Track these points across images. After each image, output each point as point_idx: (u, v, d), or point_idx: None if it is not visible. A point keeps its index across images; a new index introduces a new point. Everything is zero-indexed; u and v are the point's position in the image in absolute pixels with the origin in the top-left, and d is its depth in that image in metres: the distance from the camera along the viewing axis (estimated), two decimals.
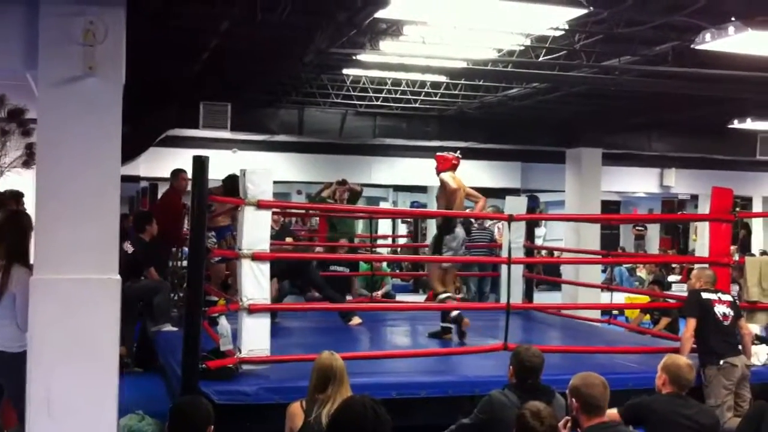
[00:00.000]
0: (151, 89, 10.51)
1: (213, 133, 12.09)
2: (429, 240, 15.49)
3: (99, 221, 4.68)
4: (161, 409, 5.69)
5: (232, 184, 8.06)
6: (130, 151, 11.19)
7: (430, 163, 14.53)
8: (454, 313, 7.62)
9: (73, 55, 4.69)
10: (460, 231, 7.83)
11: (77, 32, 4.68)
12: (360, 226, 14.01)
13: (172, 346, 6.86)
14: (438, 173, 7.95)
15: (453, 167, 7.94)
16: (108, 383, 4.69)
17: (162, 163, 13.86)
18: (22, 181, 8.46)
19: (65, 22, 4.68)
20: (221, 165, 12.39)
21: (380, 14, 6.45)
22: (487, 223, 12.66)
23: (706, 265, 7.45)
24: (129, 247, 8.37)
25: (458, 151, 8.10)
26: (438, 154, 8.10)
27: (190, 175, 6.01)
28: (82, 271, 4.62)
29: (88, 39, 4.67)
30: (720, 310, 6.62)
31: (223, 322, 5.96)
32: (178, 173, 9.59)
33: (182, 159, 10.70)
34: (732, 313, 6.66)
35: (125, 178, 11.41)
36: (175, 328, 7.89)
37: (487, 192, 17.83)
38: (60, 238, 4.65)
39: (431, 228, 19.08)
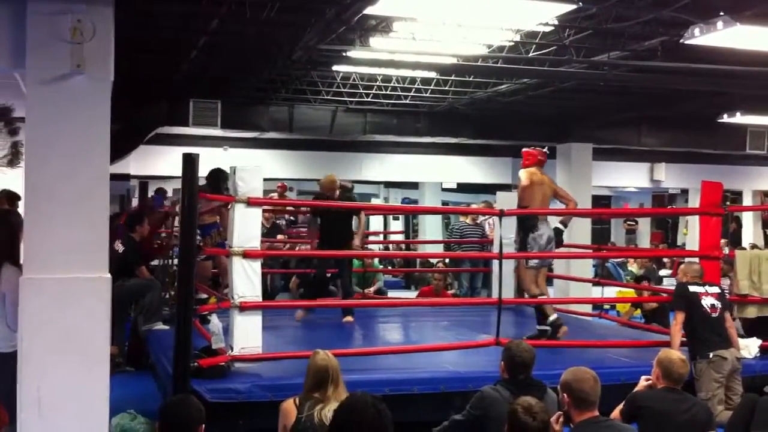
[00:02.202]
0: (141, 87, 10.48)
1: (203, 130, 12.06)
2: (420, 236, 15.44)
3: (88, 220, 4.67)
4: (153, 408, 5.66)
5: (214, 178, 8.07)
6: (120, 149, 11.15)
7: (421, 159, 14.59)
8: (553, 316, 7.53)
9: (61, 53, 4.67)
10: (545, 229, 7.67)
11: (65, 30, 4.66)
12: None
13: (164, 345, 6.85)
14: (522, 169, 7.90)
15: (539, 163, 7.87)
16: (99, 382, 4.68)
17: (152, 161, 13.85)
18: (6, 180, 8.41)
19: (53, 20, 4.66)
20: (212, 163, 12.41)
21: (369, 10, 6.44)
22: (479, 219, 12.68)
23: (696, 259, 7.49)
24: (120, 246, 8.36)
25: (546, 147, 8.05)
26: (525, 149, 8.00)
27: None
28: (72, 270, 4.60)
29: (75, 37, 4.65)
30: (707, 302, 6.66)
31: (215, 320, 5.96)
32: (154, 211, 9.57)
33: (172, 157, 10.69)
34: (720, 305, 6.69)
35: (115, 177, 11.34)
36: (166, 327, 7.88)
37: (478, 188, 17.94)
38: (49, 237, 4.63)
39: (422, 224, 19.24)
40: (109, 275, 4.71)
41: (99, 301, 4.64)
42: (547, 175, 8.03)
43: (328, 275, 10.81)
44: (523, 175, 7.80)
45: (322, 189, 8.89)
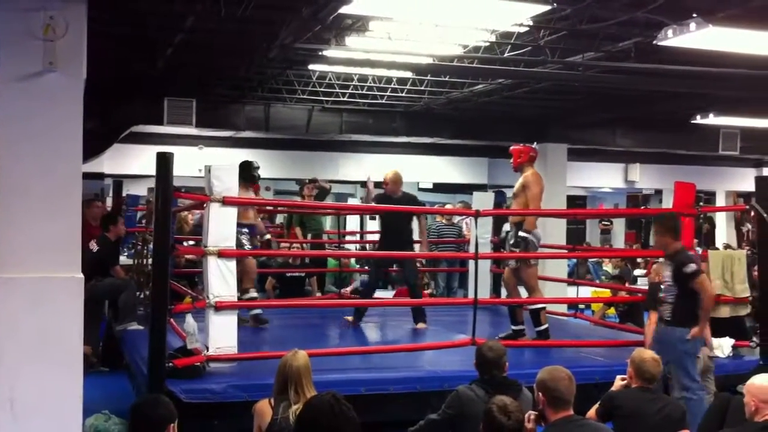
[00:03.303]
0: (115, 85, 10.39)
1: (178, 129, 11.99)
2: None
3: (61, 219, 4.62)
4: (128, 408, 5.64)
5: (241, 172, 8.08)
6: (94, 148, 11.05)
7: (398, 159, 14.62)
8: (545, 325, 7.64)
9: (33, 51, 4.62)
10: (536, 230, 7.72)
11: (37, 27, 4.61)
12: (328, 222, 14.00)
13: (139, 345, 6.81)
14: (515, 168, 7.91)
15: (532, 160, 7.87)
16: (72, 382, 4.63)
17: (127, 159, 13.74)
18: None
19: (25, 17, 4.61)
20: (187, 162, 12.37)
21: (345, 9, 6.43)
22: (455, 219, 12.72)
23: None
24: (94, 246, 8.30)
25: (535, 143, 8.03)
26: (513, 148, 7.95)
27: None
28: (44, 270, 4.55)
29: (48, 34, 4.60)
30: None
31: (190, 320, 5.93)
32: (91, 201, 9.49)
33: (147, 155, 10.60)
34: None
35: (89, 175, 11.32)
36: (141, 327, 7.83)
37: (455, 188, 17.96)
38: (21, 236, 4.58)
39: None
40: (81, 275, 4.66)
41: (72, 300, 4.59)
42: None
43: (302, 275, 10.83)
44: (534, 175, 7.74)
45: (386, 187, 8.64)
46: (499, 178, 16.79)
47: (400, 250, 8.32)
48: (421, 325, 8.50)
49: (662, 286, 6.23)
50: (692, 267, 5.98)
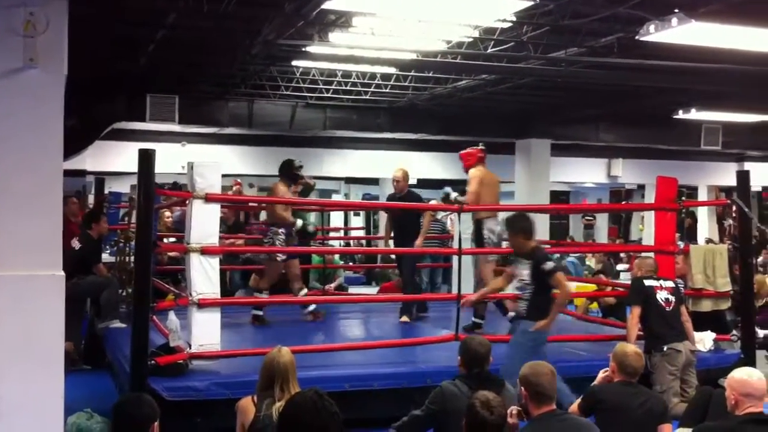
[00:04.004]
0: (97, 81, 10.33)
1: (161, 126, 11.93)
2: (381, 232, 15.47)
3: (41, 217, 4.58)
4: (110, 406, 5.61)
5: (281, 169, 8.46)
6: (76, 145, 10.99)
7: (382, 155, 14.60)
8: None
9: (13, 47, 4.57)
10: (494, 224, 7.86)
11: (17, 24, 4.56)
12: (312, 218, 13.98)
13: (121, 343, 6.79)
14: (466, 170, 8.13)
15: (481, 161, 8.10)
16: (54, 381, 4.60)
17: (109, 156, 13.66)
18: None
19: (5, 13, 4.56)
20: (170, 158, 12.32)
21: (328, 5, 6.42)
22: (440, 214, 12.71)
23: (650, 254, 7.59)
24: (77, 244, 8.25)
25: (480, 144, 8.23)
26: (462, 152, 8.27)
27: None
28: (25, 268, 4.51)
29: (28, 30, 4.56)
30: (662, 296, 6.76)
31: (172, 318, 5.91)
32: (67, 198, 9.45)
33: (129, 152, 10.54)
34: (674, 299, 6.79)
35: (71, 173, 11.25)
36: (123, 325, 7.80)
37: (439, 183, 17.95)
38: (1, 234, 4.54)
39: (383, 220, 19.22)
40: (62, 273, 4.63)
41: (52, 299, 4.56)
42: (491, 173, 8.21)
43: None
44: (474, 175, 7.94)
45: (397, 184, 8.86)
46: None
47: (403, 245, 8.58)
48: (404, 318, 8.59)
49: (518, 284, 6.20)
50: (550, 264, 5.99)
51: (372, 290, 13.26)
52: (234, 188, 13.07)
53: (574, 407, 4.79)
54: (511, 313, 7.30)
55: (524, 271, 6.07)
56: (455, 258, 8.72)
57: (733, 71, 8.43)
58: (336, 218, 19.75)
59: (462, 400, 4.23)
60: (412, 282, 8.98)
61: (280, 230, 8.16)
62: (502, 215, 7.63)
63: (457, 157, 16.31)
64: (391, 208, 9.07)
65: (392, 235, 8.92)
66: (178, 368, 5.83)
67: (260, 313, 8.38)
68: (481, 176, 7.94)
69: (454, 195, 8.05)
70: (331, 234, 15.38)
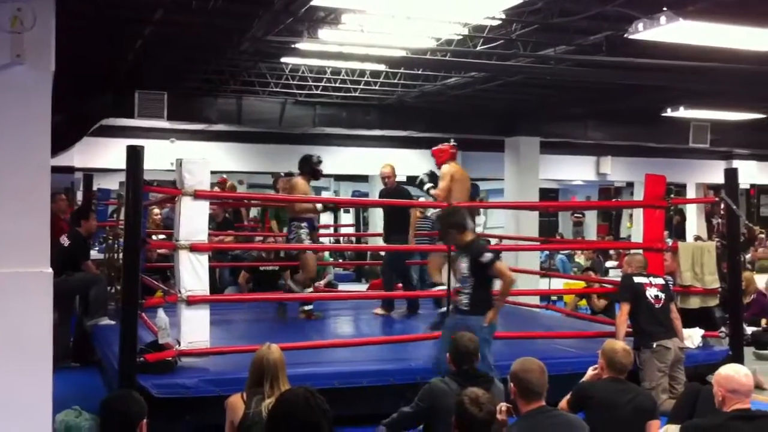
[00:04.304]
0: (85, 77, 10.28)
1: (149, 122, 11.88)
2: (371, 229, 15.45)
3: (29, 214, 4.55)
4: (99, 404, 5.61)
5: (301, 165, 8.55)
6: (64, 141, 10.94)
7: (371, 152, 14.60)
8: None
9: (0, 43, 4.54)
10: None
11: (4, 19, 4.53)
12: None
13: (110, 340, 6.77)
14: (438, 167, 8.17)
15: (452, 157, 8.17)
16: (41, 378, 4.58)
17: (97, 153, 13.61)
18: None
19: None
20: (159, 155, 12.29)
21: (317, 2, 6.40)
22: (429, 211, 12.71)
23: (639, 251, 7.62)
24: (65, 241, 8.22)
25: (452, 140, 8.29)
26: (434, 148, 8.35)
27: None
28: (12, 265, 4.49)
29: (15, 26, 4.53)
30: (651, 293, 6.79)
31: (161, 315, 5.89)
32: (55, 195, 9.43)
33: (118, 149, 10.51)
34: (664, 296, 6.82)
35: (59, 169, 11.19)
36: (112, 322, 7.78)
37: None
38: None
39: (373, 217, 19.23)
40: (50, 270, 4.61)
41: (40, 296, 4.54)
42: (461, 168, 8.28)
43: (276, 268, 10.78)
44: (446, 171, 8.00)
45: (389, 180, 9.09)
46: (472, 171, 16.79)
47: (387, 239, 8.78)
48: (379, 311, 8.86)
49: (458, 277, 6.17)
50: (488, 256, 5.95)
51: (362, 287, 13.25)
52: (228, 184, 13.06)
53: (563, 404, 4.81)
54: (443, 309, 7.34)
55: (463, 265, 6.02)
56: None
57: (722, 69, 8.46)
58: (325, 215, 19.71)
59: (451, 397, 4.24)
60: (388, 277, 9.06)
61: (303, 224, 8.23)
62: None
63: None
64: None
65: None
66: (167, 365, 5.82)
67: (310, 307, 8.50)
68: (453, 172, 8.00)
69: (427, 186, 8.09)
70: (321, 231, 15.35)
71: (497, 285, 6.21)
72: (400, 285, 9.53)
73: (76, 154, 13.09)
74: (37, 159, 4.63)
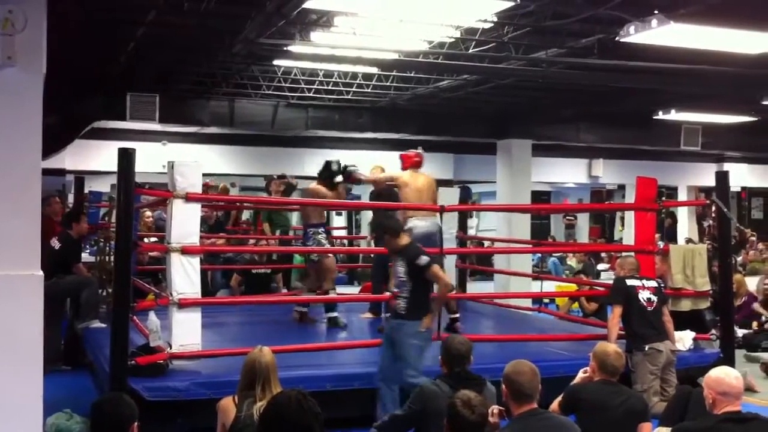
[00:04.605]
0: (76, 79, 10.26)
1: (141, 124, 11.85)
2: (363, 231, 15.50)
3: (20, 216, 4.53)
4: (90, 407, 5.59)
5: (321, 171, 8.59)
6: (55, 144, 10.91)
7: (364, 155, 14.63)
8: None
9: None
10: (417, 223, 7.83)
11: None
12: (295, 218, 13.95)
13: (101, 343, 6.75)
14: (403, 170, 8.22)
15: (414, 165, 8.20)
16: (32, 381, 4.56)
17: (89, 155, 13.57)
18: None
19: None
20: (151, 158, 12.25)
21: (310, 4, 6.41)
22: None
23: (631, 254, 7.64)
24: (56, 243, 8.19)
25: (419, 147, 8.38)
26: (402, 153, 8.42)
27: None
28: (3, 268, 4.47)
29: (6, 28, 4.51)
30: (644, 295, 6.80)
31: (153, 317, 5.88)
32: (50, 198, 9.40)
33: (110, 151, 10.48)
34: (656, 298, 6.83)
35: (50, 172, 11.16)
36: (103, 325, 7.76)
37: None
38: None
39: (365, 220, 19.22)
40: (41, 273, 4.59)
41: (31, 299, 4.52)
42: (425, 175, 8.32)
43: (268, 271, 10.77)
44: (396, 174, 8.18)
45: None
46: (464, 173, 16.86)
47: (376, 242, 8.44)
48: (367, 315, 8.89)
49: (395, 282, 6.09)
50: (425, 259, 5.85)
51: (354, 290, 13.24)
52: (221, 186, 13.03)
53: (554, 406, 4.81)
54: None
55: (400, 269, 5.95)
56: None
57: (713, 72, 8.49)
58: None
59: (443, 400, 4.23)
60: (377, 280, 9.09)
61: (320, 229, 8.34)
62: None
63: (438, 157, 16.45)
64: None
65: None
66: (158, 368, 5.81)
67: (305, 309, 8.51)
68: (406, 180, 8.06)
69: (338, 178, 8.30)
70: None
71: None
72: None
73: (67, 157, 13.06)
74: (28, 161, 4.62)
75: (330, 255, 8.42)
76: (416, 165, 8.22)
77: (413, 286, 5.88)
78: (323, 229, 8.41)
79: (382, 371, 5.89)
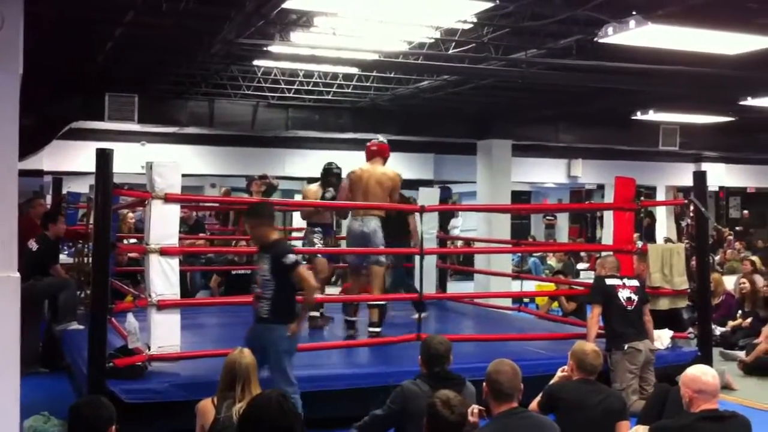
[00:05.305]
0: (54, 80, 10.18)
1: (120, 125, 11.81)
2: (344, 232, 15.45)
3: None
4: (67, 409, 5.55)
5: (322, 173, 8.55)
6: (32, 144, 10.82)
7: (344, 155, 14.63)
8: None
9: None
10: (350, 222, 7.65)
11: None
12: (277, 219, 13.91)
13: (79, 345, 6.70)
14: None
15: (372, 155, 7.77)
16: (9, 384, 4.51)
17: (67, 156, 13.49)
18: None
19: None
20: (129, 158, 12.19)
21: (289, 4, 6.39)
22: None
23: (611, 253, 7.68)
24: (33, 245, 8.12)
25: (380, 137, 8.04)
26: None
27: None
28: None
29: None
30: (624, 295, 6.84)
31: (131, 319, 5.85)
32: (34, 200, 9.31)
33: (88, 152, 10.42)
34: (637, 298, 6.87)
35: (27, 173, 11.07)
36: (81, 326, 7.70)
37: (401, 184, 18.00)
38: None
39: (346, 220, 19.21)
40: (18, 274, 4.54)
41: (8, 301, 4.47)
42: (383, 169, 7.72)
43: (248, 272, 10.72)
44: (353, 174, 7.69)
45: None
46: (444, 173, 16.91)
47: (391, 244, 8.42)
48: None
49: (259, 281, 5.52)
50: (291, 258, 5.36)
51: (335, 290, 13.21)
52: (223, 190, 12.89)
53: (533, 405, 4.83)
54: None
55: (264, 266, 5.42)
56: (417, 258, 8.72)
57: (690, 73, 8.56)
58: (299, 218, 19.65)
59: (423, 400, 4.24)
60: (402, 282, 9.11)
61: (316, 228, 8.28)
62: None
63: (418, 158, 16.45)
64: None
65: None
66: (136, 370, 5.77)
67: (316, 314, 8.33)
68: (359, 175, 7.59)
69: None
70: (294, 234, 15.33)
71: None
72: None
73: (45, 157, 12.97)
74: (4, 162, 4.56)
75: (319, 255, 8.31)
76: (374, 155, 7.74)
77: (277, 286, 5.34)
78: (320, 229, 8.29)
79: None
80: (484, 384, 4.09)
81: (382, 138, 7.98)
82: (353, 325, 7.61)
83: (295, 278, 5.37)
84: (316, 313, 8.26)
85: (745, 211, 22.37)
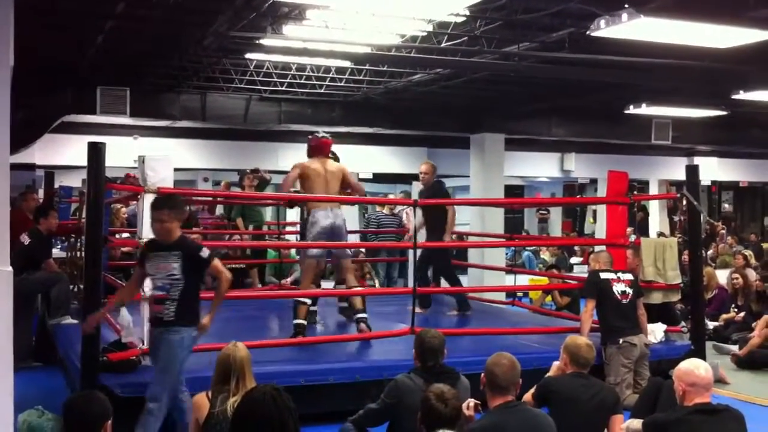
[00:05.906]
0: (45, 74, 10.13)
1: (112, 119, 11.74)
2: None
3: None
4: (61, 404, 5.53)
5: None
6: (24, 138, 10.77)
7: (337, 149, 14.59)
8: (301, 320, 7.14)
9: None
10: (320, 217, 7.28)
11: None
12: (269, 213, 13.90)
13: (72, 339, 6.69)
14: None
15: (313, 150, 7.56)
16: (2, 379, 4.50)
17: (59, 150, 13.44)
18: None
19: None
20: (121, 152, 12.15)
21: None
22: (396, 209, 12.75)
23: (604, 247, 7.69)
24: (26, 239, 8.10)
25: (320, 131, 7.78)
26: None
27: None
28: None
29: None
30: (618, 288, 6.85)
31: (124, 313, 5.82)
32: (26, 194, 9.26)
33: (80, 146, 10.38)
34: (631, 292, 6.88)
35: (19, 166, 11.02)
36: (74, 321, 7.69)
37: (395, 178, 18.01)
38: None
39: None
40: (10, 268, 4.53)
41: (0, 295, 4.47)
42: (329, 162, 7.56)
43: (242, 266, 10.72)
44: (297, 164, 7.49)
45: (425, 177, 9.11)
46: (438, 167, 16.88)
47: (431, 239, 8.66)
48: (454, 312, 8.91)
49: (160, 282, 5.06)
50: (206, 251, 5.10)
51: (328, 284, 13.21)
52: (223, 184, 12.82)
53: (527, 397, 4.84)
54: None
55: (174, 265, 4.99)
56: (411, 252, 8.73)
57: (683, 66, 8.56)
58: (292, 213, 19.64)
59: (417, 394, 4.24)
60: (449, 275, 9.18)
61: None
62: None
63: (411, 151, 16.45)
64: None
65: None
66: (130, 364, 5.77)
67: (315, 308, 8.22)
68: (316, 169, 7.37)
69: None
70: (288, 228, 15.32)
71: None
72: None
73: (37, 151, 12.91)
74: None
75: (349, 251, 8.24)
76: (317, 151, 7.51)
77: (186, 285, 5.01)
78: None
79: (152, 389, 5.04)
80: (482, 375, 4.10)
81: (323, 133, 7.75)
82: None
83: (212, 272, 5.18)
84: (315, 308, 8.19)
85: (727, 206, 22.45)
